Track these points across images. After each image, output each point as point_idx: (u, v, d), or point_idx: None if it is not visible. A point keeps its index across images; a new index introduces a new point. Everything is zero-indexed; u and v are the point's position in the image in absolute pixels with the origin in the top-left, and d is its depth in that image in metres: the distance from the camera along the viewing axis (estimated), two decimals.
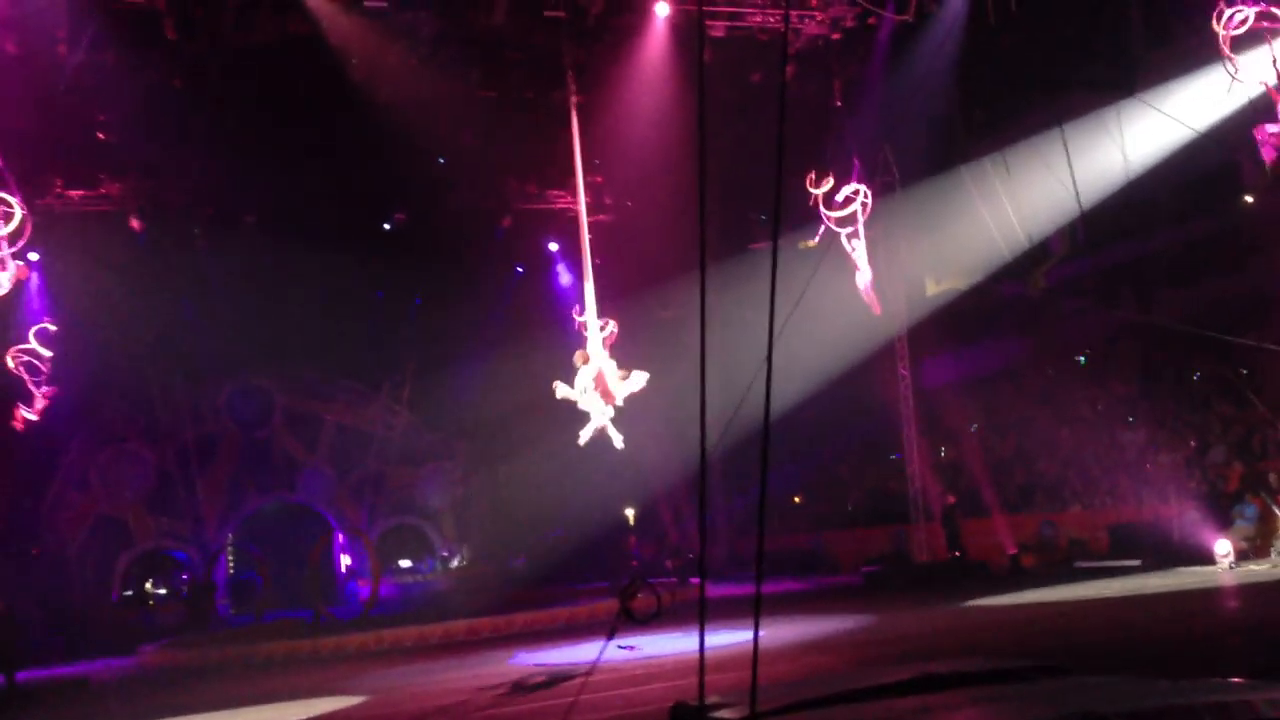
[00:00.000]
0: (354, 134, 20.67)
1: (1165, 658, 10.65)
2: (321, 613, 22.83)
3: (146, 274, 23.95)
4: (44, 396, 16.94)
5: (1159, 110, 18.03)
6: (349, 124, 20.17)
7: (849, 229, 17.26)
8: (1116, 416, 23.76)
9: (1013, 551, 21.79)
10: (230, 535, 29.12)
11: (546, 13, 16.95)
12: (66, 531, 26.61)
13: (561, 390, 13.94)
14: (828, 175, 17.22)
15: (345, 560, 30.17)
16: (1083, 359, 28.33)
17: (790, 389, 22.60)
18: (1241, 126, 20.40)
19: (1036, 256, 31.25)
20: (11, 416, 17.23)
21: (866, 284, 17.68)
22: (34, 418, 17.16)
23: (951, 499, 22.97)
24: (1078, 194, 13.34)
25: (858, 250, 17.36)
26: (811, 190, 17.01)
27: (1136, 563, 18.95)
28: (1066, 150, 12.27)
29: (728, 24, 17.84)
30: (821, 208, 17.21)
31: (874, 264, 18.06)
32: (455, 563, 30.08)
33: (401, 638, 19.21)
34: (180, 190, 21.93)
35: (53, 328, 16.99)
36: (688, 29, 17.82)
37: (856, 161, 17.75)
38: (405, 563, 30.62)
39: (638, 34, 18.14)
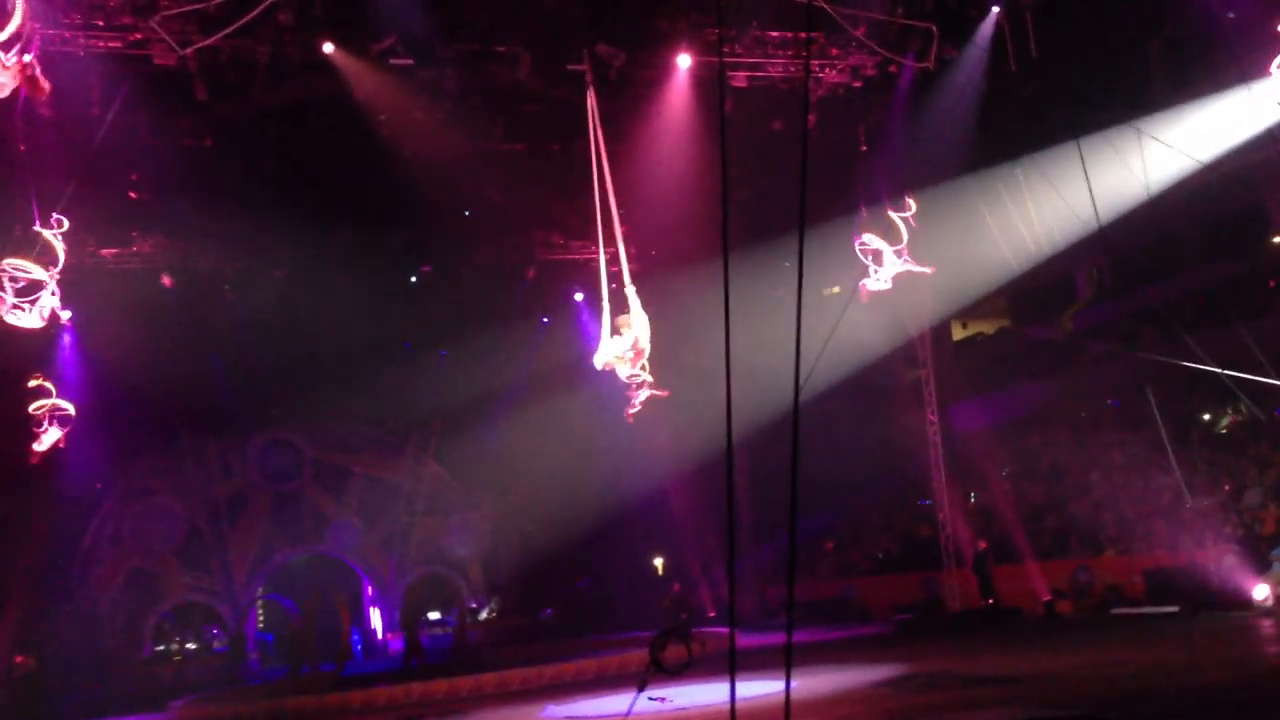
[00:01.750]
0: (381, 189, 20.93)
1: (1208, 706, 10.46)
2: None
3: (177, 330, 24.23)
4: (57, 429, 17.15)
5: (1178, 150, 18.00)
6: (376, 179, 20.42)
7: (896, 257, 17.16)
8: (1149, 460, 23.48)
9: (1047, 598, 21.49)
10: (260, 588, 29.13)
11: (569, 66, 17.15)
12: (99, 586, 26.69)
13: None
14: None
15: (375, 613, 30.10)
16: (1115, 403, 28.06)
17: (816, 435, 22.47)
18: (1266, 165, 20.38)
19: (1064, 300, 31.10)
20: (34, 458, 17.52)
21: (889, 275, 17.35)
22: (43, 449, 17.42)
23: (984, 545, 22.70)
24: (1099, 222, 13.30)
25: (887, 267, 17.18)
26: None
27: (1174, 608, 18.65)
28: (1088, 181, 12.24)
29: (749, 74, 17.98)
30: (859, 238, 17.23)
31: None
32: (484, 614, 29.95)
33: (431, 691, 19.10)
34: (210, 247, 22.27)
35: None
36: (709, 80, 17.97)
37: (862, 210, 17.77)
38: (434, 614, 30.53)
39: (660, 86, 18.32)
